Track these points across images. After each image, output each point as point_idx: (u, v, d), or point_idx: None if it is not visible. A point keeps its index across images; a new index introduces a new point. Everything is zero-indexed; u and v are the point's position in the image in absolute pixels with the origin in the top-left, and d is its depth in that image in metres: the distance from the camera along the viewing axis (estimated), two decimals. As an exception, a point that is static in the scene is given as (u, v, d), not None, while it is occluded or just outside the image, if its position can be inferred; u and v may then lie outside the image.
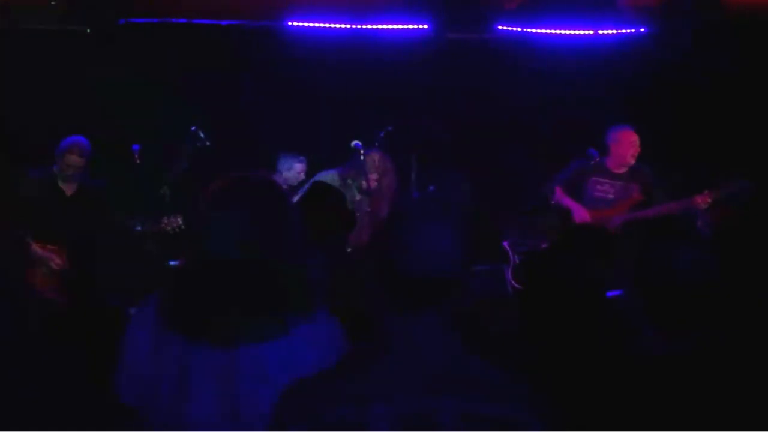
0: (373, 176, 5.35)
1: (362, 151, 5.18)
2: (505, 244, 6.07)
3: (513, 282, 5.90)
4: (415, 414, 1.46)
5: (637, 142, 5.65)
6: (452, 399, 1.47)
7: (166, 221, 5.21)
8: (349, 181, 5.42)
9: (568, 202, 5.76)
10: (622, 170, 5.71)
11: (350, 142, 5.46)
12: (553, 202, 5.87)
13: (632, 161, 5.66)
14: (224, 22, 6.70)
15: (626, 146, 5.65)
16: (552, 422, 1.53)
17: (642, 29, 7.01)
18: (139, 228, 5.20)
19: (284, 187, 6.38)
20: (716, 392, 1.79)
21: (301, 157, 6.54)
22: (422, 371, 1.50)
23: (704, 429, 1.72)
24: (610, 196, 5.68)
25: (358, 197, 5.47)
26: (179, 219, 5.19)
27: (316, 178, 5.42)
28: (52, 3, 6.13)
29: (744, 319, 2.18)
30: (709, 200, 5.33)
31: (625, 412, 1.83)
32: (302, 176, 6.52)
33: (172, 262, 5.03)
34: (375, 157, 5.40)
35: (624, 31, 7.05)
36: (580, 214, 5.66)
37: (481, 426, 1.47)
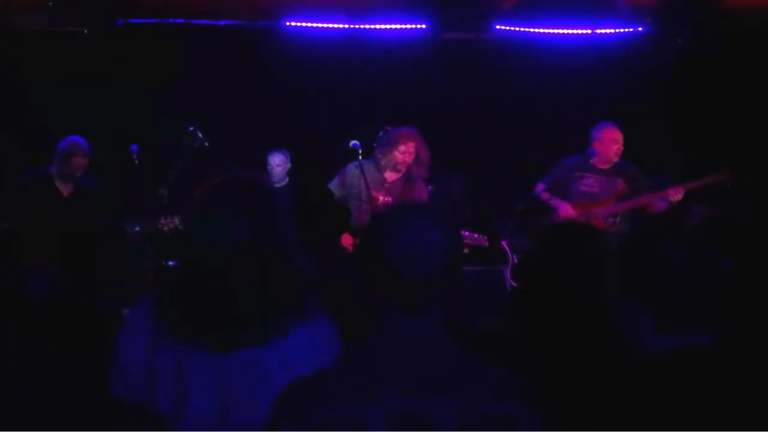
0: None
1: (360, 152, 5.18)
2: (504, 243, 6.08)
3: (512, 281, 5.91)
4: (413, 414, 1.46)
5: (621, 140, 5.69)
6: (450, 399, 1.47)
7: (163, 222, 5.22)
8: (383, 162, 5.40)
9: (553, 200, 5.82)
10: (607, 166, 5.76)
11: (349, 143, 5.45)
12: (550, 204, 5.90)
13: (616, 158, 5.72)
14: (222, 23, 6.70)
15: (609, 144, 5.70)
16: (551, 421, 1.53)
17: (640, 28, 7.01)
18: (137, 228, 5.20)
19: (276, 184, 6.39)
20: (716, 391, 1.79)
21: (276, 152, 6.46)
22: (420, 371, 1.50)
23: (704, 429, 1.72)
24: (595, 191, 5.75)
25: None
26: (176, 220, 5.19)
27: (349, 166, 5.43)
28: (50, 3, 6.13)
29: (744, 317, 2.18)
30: (683, 191, 5.48)
31: (623, 411, 1.82)
32: (281, 169, 6.47)
33: (169, 263, 5.04)
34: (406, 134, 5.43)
35: (622, 30, 7.06)
36: (565, 209, 5.72)
37: (479, 426, 1.47)
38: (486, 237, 5.55)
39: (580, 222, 5.21)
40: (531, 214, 6.14)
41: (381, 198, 5.17)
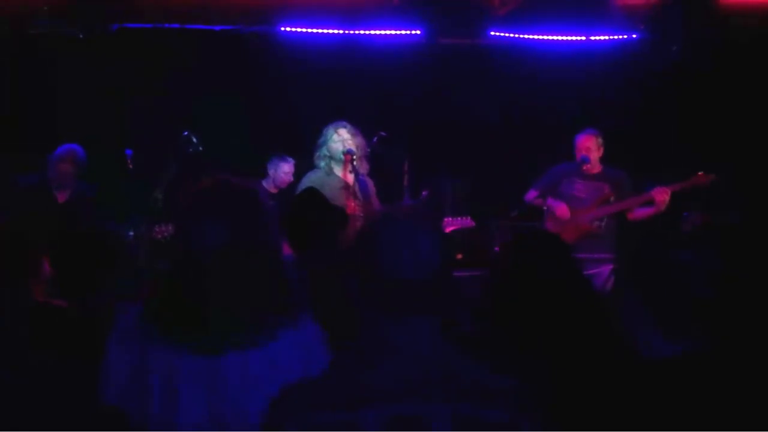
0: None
1: (355, 157, 5.11)
2: (498, 249, 6.08)
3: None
4: (409, 418, 1.46)
5: (588, 147, 5.78)
6: (447, 403, 1.48)
7: (158, 229, 5.21)
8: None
9: (548, 201, 5.88)
10: (595, 171, 5.84)
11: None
12: (545, 207, 5.94)
13: (590, 163, 5.80)
14: (217, 28, 6.71)
15: (577, 152, 5.82)
16: (546, 425, 1.53)
17: (634, 35, 7.03)
18: (131, 233, 5.19)
19: (275, 190, 6.35)
20: (715, 397, 1.79)
21: (288, 158, 6.57)
22: (416, 375, 1.51)
23: (704, 430, 1.72)
24: (582, 195, 5.81)
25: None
26: (170, 227, 5.18)
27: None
28: (45, 8, 6.13)
29: (743, 320, 2.19)
30: (669, 192, 5.48)
31: (621, 415, 1.83)
32: (290, 177, 6.54)
33: (162, 267, 5.02)
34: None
35: (616, 37, 7.08)
36: (561, 209, 5.76)
37: (473, 429, 1.47)
38: (469, 217, 5.52)
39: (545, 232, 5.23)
40: (526, 218, 6.16)
41: (352, 205, 4.98)
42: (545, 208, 5.91)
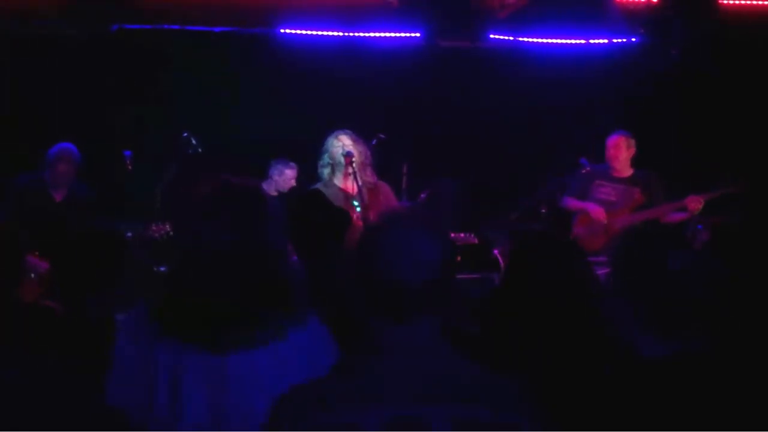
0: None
1: (353, 159, 5.08)
2: (496, 252, 6.08)
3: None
4: (411, 421, 1.47)
5: (619, 146, 5.76)
6: (448, 406, 1.48)
7: (154, 228, 5.21)
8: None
9: (582, 204, 5.83)
10: (625, 174, 5.82)
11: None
12: (561, 205, 5.92)
13: (618, 164, 5.78)
14: (217, 29, 6.72)
15: (608, 152, 5.80)
16: (547, 425, 1.53)
17: (634, 38, 7.05)
18: (129, 234, 5.19)
19: (275, 193, 6.33)
20: (710, 397, 1.79)
21: (292, 164, 6.59)
22: (418, 378, 1.51)
23: (703, 429, 1.73)
24: (613, 199, 5.78)
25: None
26: (167, 226, 5.18)
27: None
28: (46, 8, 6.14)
29: (739, 322, 2.18)
30: (703, 201, 5.49)
31: (618, 416, 1.83)
32: (293, 182, 6.56)
33: (161, 269, 5.03)
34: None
35: (616, 40, 7.09)
36: (596, 212, 5.72)
37: (473, 430, 1.47)
38: (472, 234, 5.54)
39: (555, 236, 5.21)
40: (525, 221, 6.15)
41: (353, 212, 4.91)
42: (580, 209, 5.86)
